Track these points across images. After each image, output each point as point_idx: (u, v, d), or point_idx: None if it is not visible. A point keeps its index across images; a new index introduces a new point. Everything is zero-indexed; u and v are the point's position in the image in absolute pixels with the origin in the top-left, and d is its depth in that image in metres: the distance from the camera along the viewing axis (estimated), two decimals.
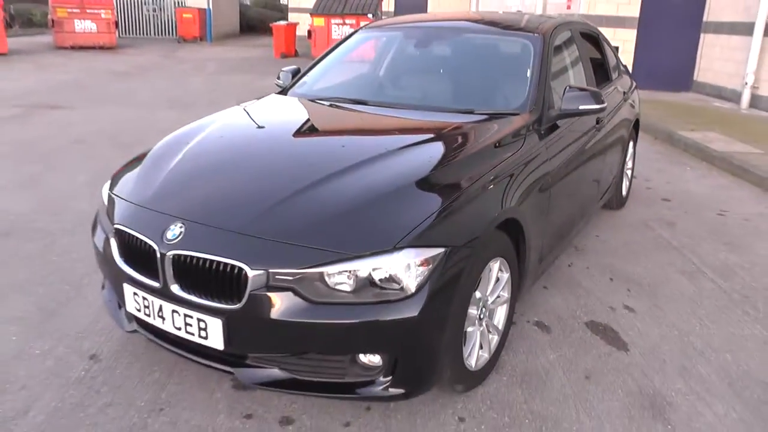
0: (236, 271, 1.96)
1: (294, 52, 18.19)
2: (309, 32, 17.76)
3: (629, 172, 5.01)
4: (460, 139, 2.63)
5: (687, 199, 5.23)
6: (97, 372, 2.53)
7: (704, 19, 11.27)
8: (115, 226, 2.30)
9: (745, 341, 2.96)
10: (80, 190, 4.90)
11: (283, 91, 3.61)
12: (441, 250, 2.01)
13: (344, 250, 1.94)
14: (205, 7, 22.16)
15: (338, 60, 3.75)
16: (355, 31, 3.92)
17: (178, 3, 22.80)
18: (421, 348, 2.03)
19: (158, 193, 2.33)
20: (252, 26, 29.06)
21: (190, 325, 2.08)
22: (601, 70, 4.23)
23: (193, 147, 2.65)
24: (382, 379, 2.02)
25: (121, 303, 2.46)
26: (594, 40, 4.27)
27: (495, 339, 2.52)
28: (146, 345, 2.72)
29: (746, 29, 9.65)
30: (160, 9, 22.92)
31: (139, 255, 2.20)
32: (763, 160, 6.13)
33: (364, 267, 1.93)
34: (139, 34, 22.80)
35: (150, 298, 2.17)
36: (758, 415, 2.40)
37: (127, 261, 2.27)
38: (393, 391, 2.04)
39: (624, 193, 4.89)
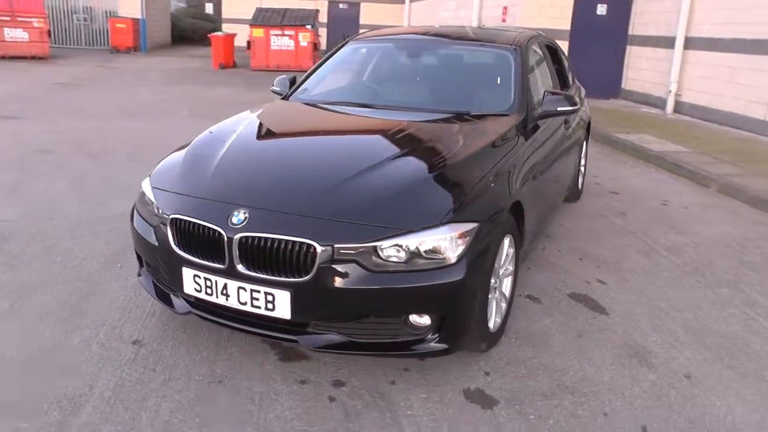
0: (305, 248, 2.26)
1: (233, 63, 18.16)
2: (248, 43, 17.81)
3: (582, 169, 5.58)
4: (472, 135, 3.03)
5: (632, 192, 5.86)
6: (146, 354, 2.73)
7: (629, 32, 12.31)
8: (173, 216, 2.53)
9: (700, 302, 3.51)
10: (64, 196, 4.97)
11: (285, 97, 3.90)
12: (474, 224, 2.39)
13: (398, 227, 2.29)
14: (138, 17, 21.75)
15: (332, 69, 4.07)
16: (345, 43, 4.26)
17: (109, 12, 22.28)
18: (463, 308, 2.39)
19: (213, 185, 2.58)
20: (184, 37, 28.64)
21: (257, 299, 2.35)
22: (561, 77, 4.75)
23: (232, 145, 2.91)
24: (430, 336, 2.37)
25: (171, 288, 2.69)
26: (554, 50, 4.80)
27: (504, 306, 2.91)
28: (185, 329, 2.94)
29: (668, 43, 10.68)
30: (91, 18, 22.31)
31: (200, 241, 2.44)
32: (692, 157, 6.91)
33: (414, 240, 2.28)
34: (70, 44, 22.09)
35: (213, 278, 2.41)
36: (717, 357, 2.92)
37: (185, 247, 2.51)
38: (439, 346, 2.39)
39: (579, 187, 5.45)
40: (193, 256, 2.47)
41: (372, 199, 2.40)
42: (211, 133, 3.19)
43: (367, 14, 27.81)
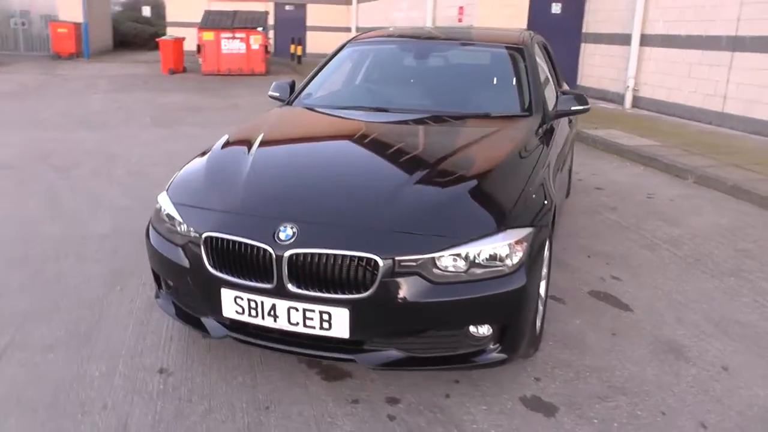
0: (364, 262, 2.15)
1: (183, 67, 17.62)
2: (198, 47, 17.32)
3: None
4: (503, 138, 2.98)
5: (616, 187, 5.98)
6: (176, 384, 2.55)
7: (584, 30, 12.64)
8: (207, 234, 2.36)
9: (712, 293, 3.58)
10: (40, 215, 4.65)
11: (289, 103, 3.75)
12: (530, 229, 2.34)
13: (456, 236, 2.21)
14: (80, 21, 20.80)
15: (337, 72, 3.95)
16: (344, 45, 4.15)
17: (48, 16, 21.19)
18: (524, 315, 2.33)
19: (249, 200, 2.43)
20: (125, 41, 27.65)
21: (311, 319, 2.22)
22: (555, 75, 4.79)
23: (257, 156, 2.75)
24: (491, 346, 2.30)
25: (200, 311, 2.52)
26: (545, 48, 4.82)
27: (541, 309, 2.88)
28: (210, 353, 2.76)
29: (624, 40, 11.01)
30: (28, 23, 21.17)
31: (241, 260, 2.29)
32: (664, 151, 7.12)
33: (473, 249, 2.21)
34: (7, 49, 20.90)
35: (259, 299, 2.27)
36: (745, 347, 2.98)
37: (222, 267, 2.35)
38: (499, 356, 2.32)
39: (569, 183, 5.51)
40: (234, 276, 2.32)
41: (425, 208, 2.31)
42: (226, 143, 3.03)
43: (313, 16, 27.52)
